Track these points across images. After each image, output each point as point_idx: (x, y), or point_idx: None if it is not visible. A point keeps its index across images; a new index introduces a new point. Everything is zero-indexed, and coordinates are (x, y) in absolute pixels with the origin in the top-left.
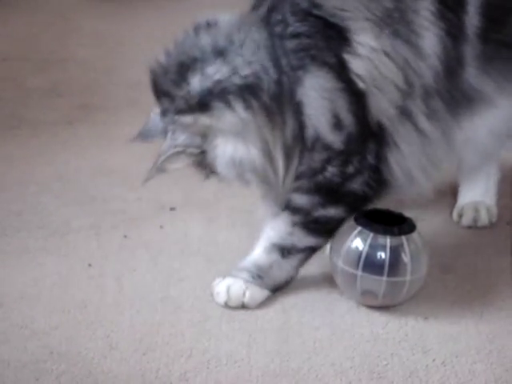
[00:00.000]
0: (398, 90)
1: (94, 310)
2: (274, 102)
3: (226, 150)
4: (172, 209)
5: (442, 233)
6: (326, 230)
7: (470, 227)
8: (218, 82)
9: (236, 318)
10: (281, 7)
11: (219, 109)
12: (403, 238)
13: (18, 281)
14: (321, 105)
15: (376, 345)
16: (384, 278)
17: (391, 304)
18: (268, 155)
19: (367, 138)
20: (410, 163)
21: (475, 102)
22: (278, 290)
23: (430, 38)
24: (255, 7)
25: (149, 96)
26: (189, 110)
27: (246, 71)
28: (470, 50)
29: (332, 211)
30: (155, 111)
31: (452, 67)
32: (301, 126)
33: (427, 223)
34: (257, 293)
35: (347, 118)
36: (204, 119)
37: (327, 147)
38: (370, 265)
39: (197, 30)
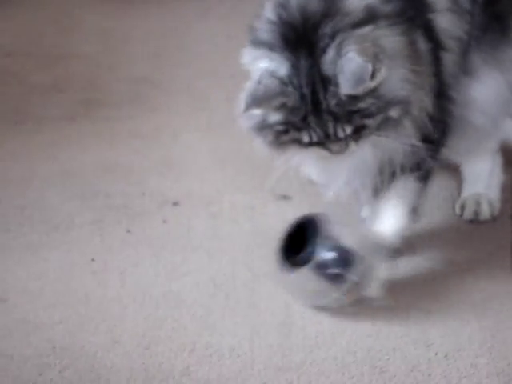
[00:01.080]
0: (462, 43)
1: (96, 304)
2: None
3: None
4: (175, 204)
5: (444, 226)
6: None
7: (471, 221)
8: (372, 3)
9: (238, 312)
10: None
11: (385, 26)
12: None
13: (20, 275)
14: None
15: (378, 339)
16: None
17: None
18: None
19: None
20: (465, 110)
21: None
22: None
23: None
24: None
25: (152, 91)
26: (363, 23)
27: (389, 6)
28: (476, 18)
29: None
30: (268, 66)
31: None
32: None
33: (429, 217)
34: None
35: (433, 80)
36: (377, 31)
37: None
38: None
39: None
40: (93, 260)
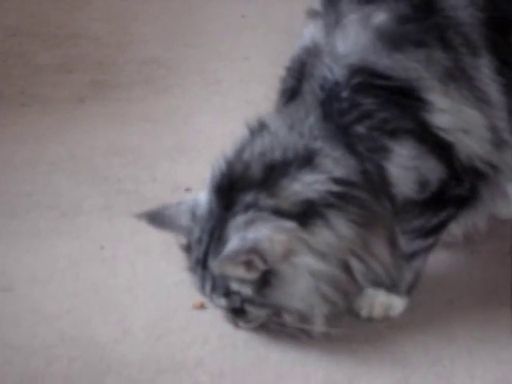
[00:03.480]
0: (483, 139)
1: (106, 293)
2: (371, 199)
3: (311, 267)
4: (187, 189)
5: None
6: (443, 228)
7: None
8: (316, 192)
9: None
10: (333, 91)
11: (318, 226)
12: None
13: (28, 263)
14: (409, 176)
15: (399, 331)
16: None
17: None
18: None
19: (461, 174)
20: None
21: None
22: (412, 290)
23: (493, 91)
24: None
25: (164, 72)
26: (289, 217)
27: (338, 172)
28: None
29: (444, 214)
30: (193, 201)
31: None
32: (392, 201)
33: None
34: (398, 302)
35: (436, 171)
36: (302, 233)
37: (418, 202)
38: None
39: (254, 132)
40: (102, 247)
